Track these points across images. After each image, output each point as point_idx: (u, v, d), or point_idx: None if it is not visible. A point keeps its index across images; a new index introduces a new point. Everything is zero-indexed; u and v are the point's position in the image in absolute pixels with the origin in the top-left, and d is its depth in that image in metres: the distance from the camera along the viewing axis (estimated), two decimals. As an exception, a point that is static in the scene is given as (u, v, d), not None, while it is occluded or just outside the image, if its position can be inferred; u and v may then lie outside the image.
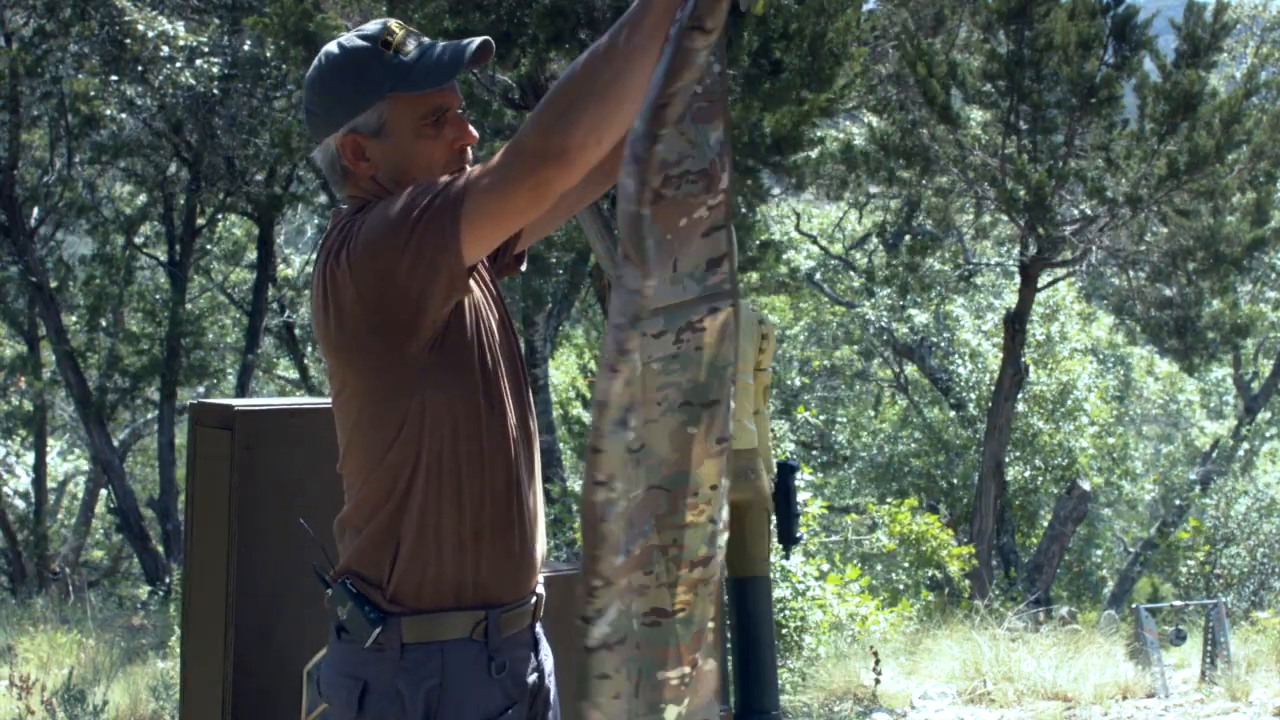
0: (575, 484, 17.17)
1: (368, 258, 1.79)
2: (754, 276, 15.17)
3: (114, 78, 12.23)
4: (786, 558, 6.79)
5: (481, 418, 1.88)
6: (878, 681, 6.03)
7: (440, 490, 1.87)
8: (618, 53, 1.62)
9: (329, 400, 2.01)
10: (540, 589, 2.01)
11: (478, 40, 1.86)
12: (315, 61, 1.93)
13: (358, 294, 1.80)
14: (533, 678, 1.96)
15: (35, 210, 14.51)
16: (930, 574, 11.39)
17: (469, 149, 1.92)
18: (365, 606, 1.88)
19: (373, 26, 1.90)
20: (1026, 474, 15.63)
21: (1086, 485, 12.37)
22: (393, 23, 1.89)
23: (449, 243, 1.74)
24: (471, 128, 1.92)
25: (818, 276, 19.24)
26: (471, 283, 1.87)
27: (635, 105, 1.57)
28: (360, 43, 1.89)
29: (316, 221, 18.36)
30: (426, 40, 1.90)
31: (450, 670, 1.87)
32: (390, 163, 1.89)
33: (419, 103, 1.86)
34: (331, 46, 1.92)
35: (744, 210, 11.31)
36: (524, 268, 2.16)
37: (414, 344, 1.82)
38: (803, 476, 8.19)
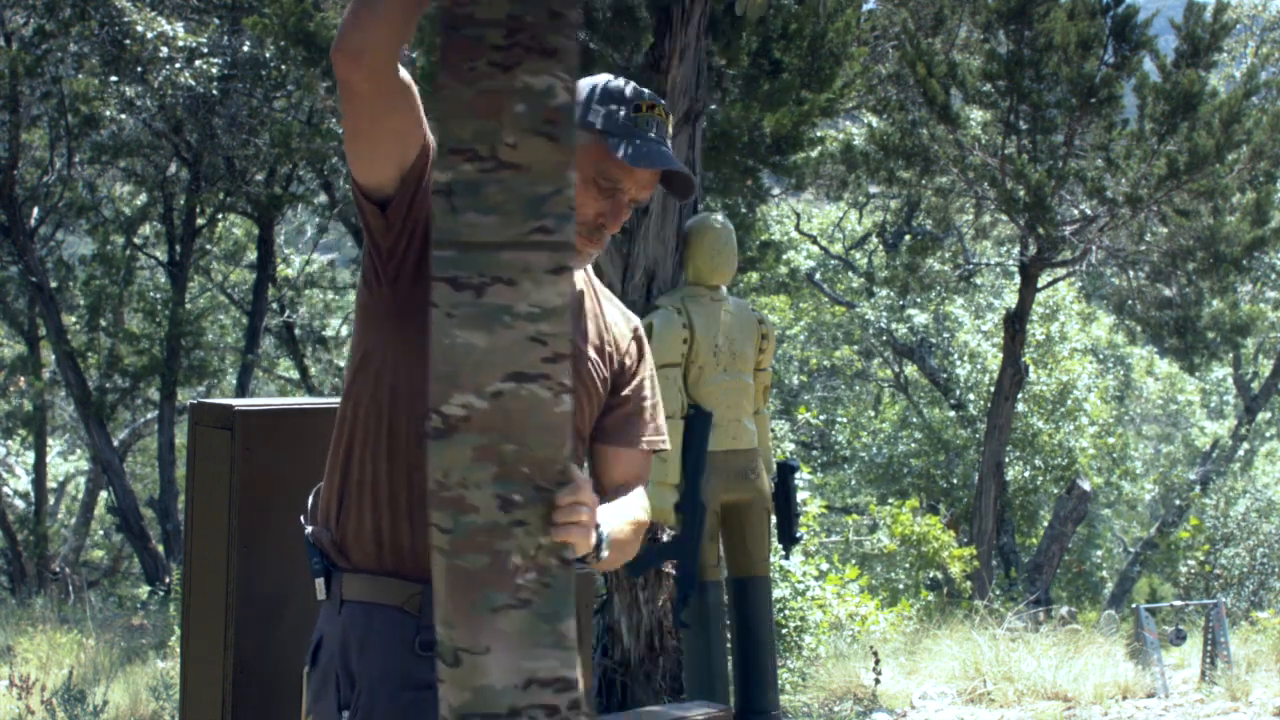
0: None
1: None
2: (754, 276, 15.18)
3: (114, 78, 12.23)
4: (786, 558, 6.79)
5: None
6: (878, 681, 6.02)
7: (378, 446, 1.91)
8: None
9: (329, 400, 2.04)
10: None
11: (685, 173, 2.00)
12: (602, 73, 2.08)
13: None
14: None
15: (35, 210, 14.51)
16: (931, 574, 11.39)
17: (605, 228, 1.99)
18: (315, 557, 1.96)
19: (644, 89, 2.02)
20: (1026, 474, 15.63)
21: (1086, 485, 12.36)
22: (659, 101, 2.01)
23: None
24: (622, 219, 2.01)
25: (818, 276, 19.25)
26: None
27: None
28: (630, 85, 2.01)
29: (316, 221, 18.38)
30: (659, 133, 1.99)
31: (374, 634, 1.90)
32: None
33: (611, 163, 1.95)
34: (614, 75, 2.05)
35: (744, 210, 11.31)
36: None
37: (377, 283, 1.93)
38: (803, 476, 8.20)
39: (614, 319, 2.12)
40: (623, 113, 1.96)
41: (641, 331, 2.16)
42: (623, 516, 1.95)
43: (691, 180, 2.02)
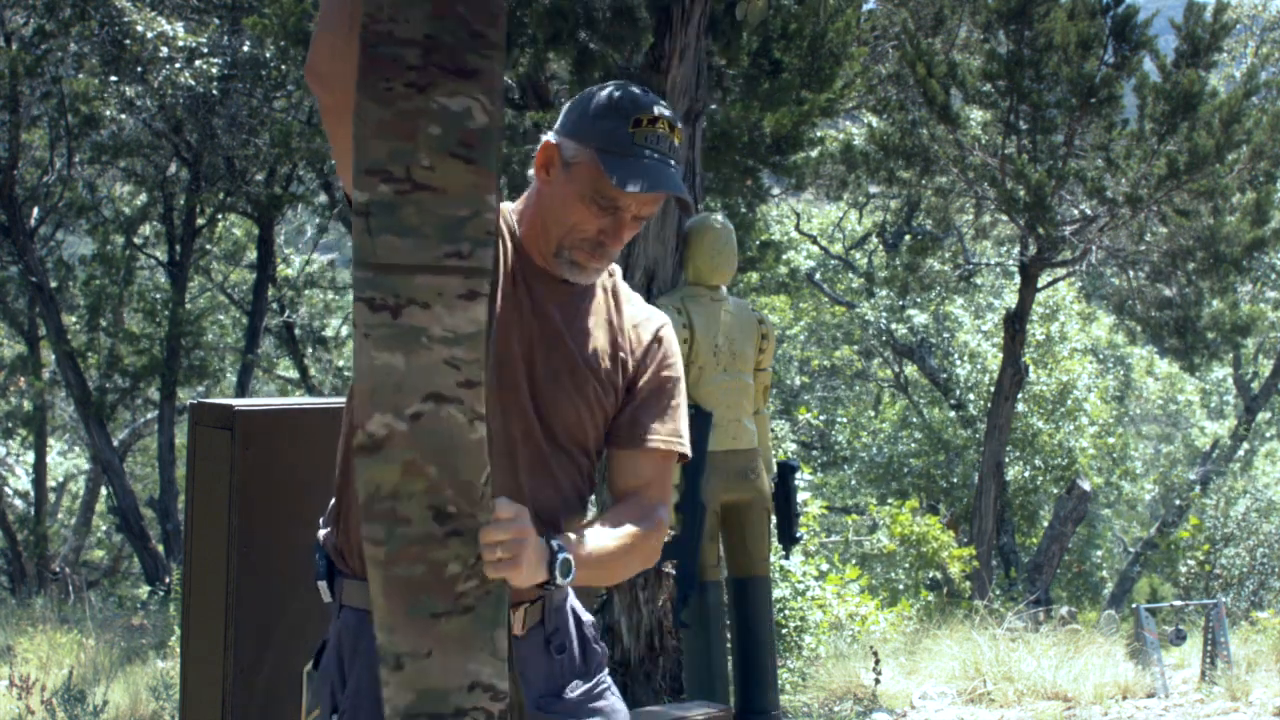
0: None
1: None
2: (754, 276, 15.18)
3: (114, 78, 12.23)
4: (786, 558, 6.79)
5: None
6: (878, 681, 6.02)
7: None
8: None
9: (329, 400, 2.04)
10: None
11: (683, 192, 1.89)
12: (610, 81, 1.99)
13: None
14: None
15: (35, 210, 14.51)
16: (931, 574, 11.39)
17: (607, 245, 1.92)
18: (321, 560, 1.99)
19: (648, 99, 1.91)
20: (1026, 474, 15.63)
21: (1086, 485, 12.36)
22: (663, 113, 1.90)
23: None
24: (625, 237, 1.93)
25: (818, 276, 19.24)
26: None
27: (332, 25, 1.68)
28: (632, 97, 1.90)
29: (316, 221, 18.38)
30: (659, 149, 1.89)
31: (364, 642, 1.91)
32: (550, 193, 1.92)
33: (606, 182, 1.88)
34: (620, 84, 1.95)
35: (744, 210, 11.31)
36: None
37: None
38: (803, 476, 8.20)
39: (636, 320, 2.05)
40: (621, 128, 1.88)
41: (667, 332, 2.07)
42: (607, 534, 1.90)
43: (689, 202, 1.95)
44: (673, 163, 1.91)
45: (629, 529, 1.94)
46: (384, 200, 1.56)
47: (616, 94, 1.92)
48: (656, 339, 2.05)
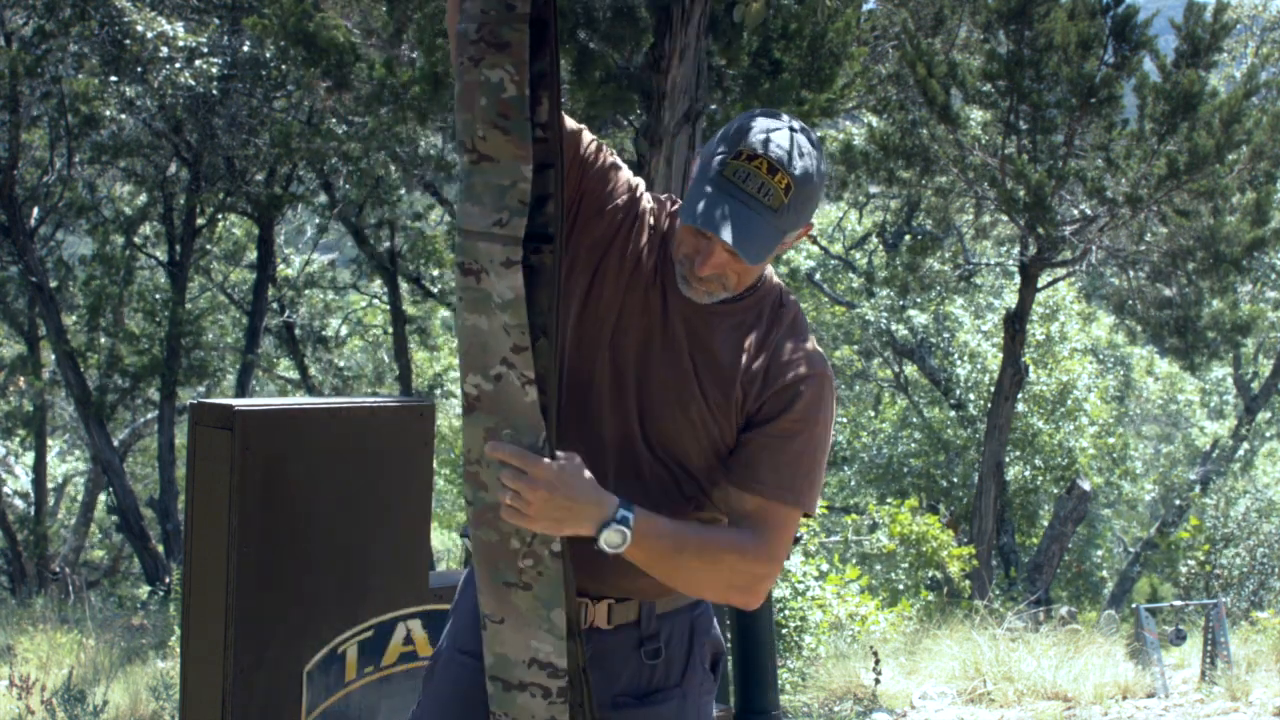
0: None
1: None
2: (754, 276, 15.17)
3: (114, 78, 12.22)
4: (787, 558, 6.78)
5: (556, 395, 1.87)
6: (878, 681, 6.02)
7: None
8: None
9: (329, 400, 2.05)
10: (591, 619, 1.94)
11: (733, 240, 1.78)
12: (765, 110, 1.91)
13: None
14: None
15: (35, 210, 14.50)
16: (930, 574, 11.39)
17: (695, 262, 1.83)
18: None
19: (761, 138, 1.81)
20: (1026, 474, 15.63)
21: (1086, 485, 12.36)
22: (767, 153, 1.79)
23: None
24: (724, 269, 1.84)
25: (818, 276, 19.24)
26: (603, 284, 1.92)
27: None
28: (747, 131, 1.82)
29: (316, 221, 18.38)
30: (745, 189, 1.79)
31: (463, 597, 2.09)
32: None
33: None
34: (762, 114, 1.87)
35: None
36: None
37: None
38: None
39: (783, 360, 1.92)
40: (720, 158, 1.80)
41: (812, 387, 1.91)
42: (697, 529, 1.86)
43: (734, 251, 1.81)
44: (758, 208, 1.79)
45: (723, 535, 1.87)
46: (465, 169, 1.68)
47: (741, 125, 1.84)
48: (795, 388, 1.91)
